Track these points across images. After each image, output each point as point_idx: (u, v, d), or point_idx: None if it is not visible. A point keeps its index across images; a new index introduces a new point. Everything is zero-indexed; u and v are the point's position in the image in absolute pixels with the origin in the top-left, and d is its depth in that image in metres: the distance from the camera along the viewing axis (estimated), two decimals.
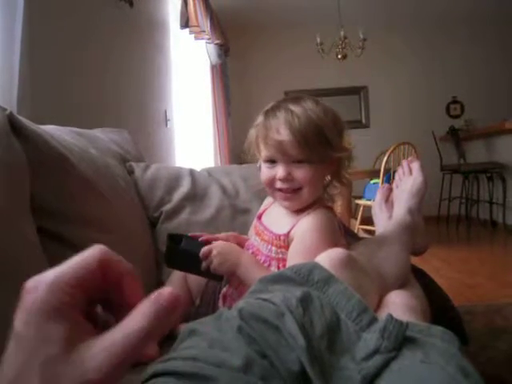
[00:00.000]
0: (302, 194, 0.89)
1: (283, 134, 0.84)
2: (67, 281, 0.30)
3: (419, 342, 0.52)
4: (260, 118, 0.91)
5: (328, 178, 0.96)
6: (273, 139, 0.85)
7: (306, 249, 0.85)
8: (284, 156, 0.86)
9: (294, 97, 0.91)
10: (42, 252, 0.83)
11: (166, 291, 0.30)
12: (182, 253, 0.90)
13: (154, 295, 0.30)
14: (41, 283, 0.30)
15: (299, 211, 0.92)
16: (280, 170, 0.87)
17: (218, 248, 0.88)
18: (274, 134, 0.85)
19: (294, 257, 0.86)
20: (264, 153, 0.89)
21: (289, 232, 0.90)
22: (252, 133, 0.92)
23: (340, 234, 0.94)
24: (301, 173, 0.87)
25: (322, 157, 0.87)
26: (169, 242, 0.91)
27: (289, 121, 0.84)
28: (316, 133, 0.84)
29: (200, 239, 0.93)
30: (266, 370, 0.48)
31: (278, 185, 0.89)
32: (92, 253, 0.32)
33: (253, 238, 0.99)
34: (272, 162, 0.89)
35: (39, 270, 0.84)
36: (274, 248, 0.91)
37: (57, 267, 0.31)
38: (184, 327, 0.57)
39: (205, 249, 0.87)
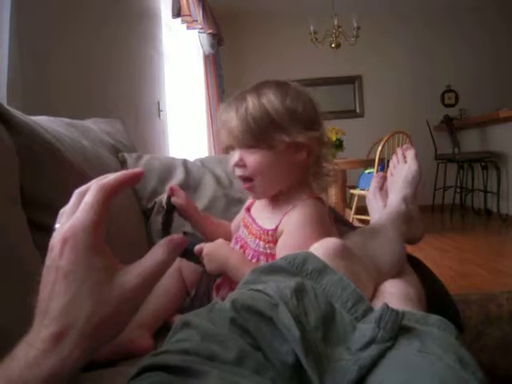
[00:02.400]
0: (256, 184, 0.88)
1: (233, 120, 0.85)
2: (96, 224, 0.40)
3: (416, 331, 0.51)
4: (221, 107, 0.92)
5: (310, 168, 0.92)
6: (225, 126, 0.88)
7: (295, 243, 0.83)
8: (235, 141, 0.87)
9: (259, 83, 0.90)
10: (33, 244, 0.82)
11: (174, 236, 0.43)
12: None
13: (167, 238, 0.43)
14: (76, 229, 0.39)
15: (284, 204, 0.90)
16: (235, 155, 0.88)
17: (207, 249, 0.87)
18: (225, 121, 0.88)
19: (284, 252, 0.83)
20: (224, 139, 0.90)
21: (277, 227, 0.88)
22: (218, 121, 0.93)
23: (330, 223, 0.92)
24: (252, 159, 0.86)
25: (274, 142, 0.84)
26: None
27: (238, 108, 0.85)
28: (262, 118, 0.83)
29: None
30: (260, 362, 0.47)
31: (235, 171, 0.89)
32: (99, 196, 0.41)
33: (241, 231, 0.97)
34: (232, 148, 0.90)
35: (31, 261, 0.82)
36: (261, 243, 0.90)
37: (80, 214, 0.40)
38: (177, 319, 0.56)
39: (197, 247, 0.87)
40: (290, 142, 0.85)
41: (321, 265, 0.62)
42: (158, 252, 0.42)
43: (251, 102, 0.85)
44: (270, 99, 0.84)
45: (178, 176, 1.44)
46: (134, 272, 0.40)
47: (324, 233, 0.84)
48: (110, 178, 0.42)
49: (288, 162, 0.87)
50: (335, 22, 5.07)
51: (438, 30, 6.40)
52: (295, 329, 0.49)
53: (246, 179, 0.88)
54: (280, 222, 0.88)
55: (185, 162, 1.52)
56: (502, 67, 6.28)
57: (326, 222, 0.89)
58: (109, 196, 0.41)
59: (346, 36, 5.18)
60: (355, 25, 5.07)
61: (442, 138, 5.84)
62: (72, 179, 1.01)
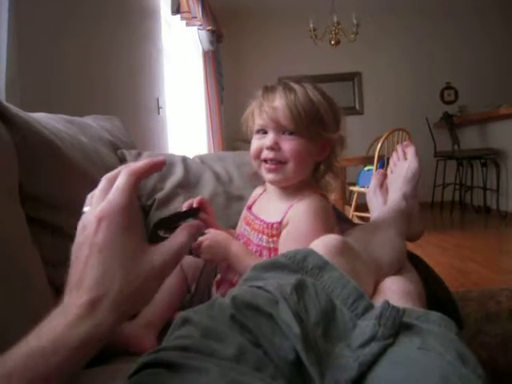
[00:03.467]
0: (286, 169, 0.88)
1: (278, 103, 0.86)
2: (127, 205, 0.44)
3: (416, 328, 0.51)
4: (259, 92, 0.92)
5: (320, 165, 0.96)
6: (268, 106, 0.87)
7: (299, 235, 0.84)
8: (276, 125, 0.87)
9: (296, 79, 0.92)
10: (31, 241, 0.82)
11: (195, 222, 0.50)
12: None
13: (189, 224, 0.49)
14: (111, 210, 0.43)
15: (290, 197, 0.91)
16: (269, 138, 0.88)
17: (207, 241, 0.88)
18: (269, 102, 0.87)
19: (287, 243, 0.85)
20: (257, 121, 0.90)
21: (282, 219, 0.89)
22: (251, 104, 0.94)
23: (334, 221, 0.93)
24: (289, 144, 0.87)
25: (313, 134, 0.87)
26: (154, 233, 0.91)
27: (286, 93, 0.86)
28: (310, 109, 0.86)
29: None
30: (260, 358, 0.47)
31: (265, 154, 0.89)
32: (130, 180, 0.45)
33: (243, 228, 0.97)
34: (263, 132, 0.90)
35: (29, 258, 0.82)
36: (264, 237, 0.91)
37: (113, 196, 0.44)
38: (177, 315, 0.56)
39: (196, 243, 0.88)
40: (324, 139, 0.89)
41: (321, 261, 0.62)
42: (179, 235, 0.47)
43: (299, 91, 0.86)
44: (315, 94, 0.87)
45: (178, 173, 1.43)
46: (160, 252, 0.45)
47: (327, 228, 0.85)
48: (138, 164, 0.47)
49: (314, 156, 0.91)
50: (335, 18, 5.07)
51: (437, 26, 6.38)
52: (295, 325, 0.48)
53: (278, 162, 0.88)
54: (285, 214, 0.89)
55: (184, 159, 1.51)
56: (502, 64, 6.27)
57: (330, 218, 0.90)
58: (138, 180, 0.46)
59: (345, 33, 5.17)
60: (355, 22, 5.06)
61: (441, 135, 5.83)
62: (70, 176, 1.00)
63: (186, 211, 0.94)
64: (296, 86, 0.87)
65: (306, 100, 0.86)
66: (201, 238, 0.88)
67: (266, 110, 0.87)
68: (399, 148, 1.18)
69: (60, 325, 0.39)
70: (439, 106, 6.34)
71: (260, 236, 0.91)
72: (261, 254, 0.90)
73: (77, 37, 2.04)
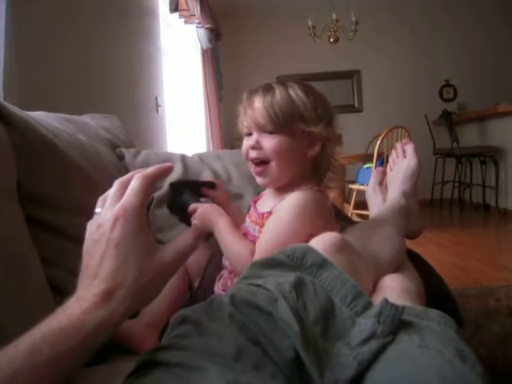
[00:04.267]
0: (270, 168, 0.91)
1: (257, 104, 0.90)
2: (142, 206, 0.49)
3: (416, 326, 0.51)
4: (244, 95, 0.96)
5: (320, 162, 0.96)
6: (249, 108, 0.91)
7: (277, 224, 0.87)
8: (256, 126, 0.91)
9: (285, 80, 0.95)
10: (30, 240, 0.82)
11: (196, 227, 0.55)
12: (178, 204, 0.93)
13: (190, 229, 0.54)
14: (126, 209, 0.47)
15: (286, 192, 0.92)
16: (252, 138, 0.92)
17: (202, 208, 0.90)
18: (250, 104, 0.91)
19: (266, 228, 0.89)
20: (244, 123, 0.94)
21: (271, 210, 0.92)
22: (239, 108, 0.97)
23: (329, 217, 0.93)
24: (269, 143, 0.90)
25: (293, 131, 0.89)
26: (170, 190, 0.96)
27: (264, 94, 0.90)
28: (287, 107, 0.88)
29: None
30: (259, 357, 0.47)
31: (250, 154, 0.93)
32: (144, 183, 0.50)
33: (246, 222, 0.99)
34: (249, 134, 0.93)
35: (28, 257, 0.82)
36: (257, 227, 0.93)
37: (128, 197, 0.49)
38: (176, 314, 0.56)
39: (192, 206, 0.90)
40: (308, 133, 0.90)
41: (320, 259, 0.62)
42: (187, 236, 0.52)
43: (278, 91, 0.90)
44: (297, 92, 0.90)
45: (177, 171, 1.43)
46: (170, 250, 0.50)
47: (312, 221, 0.87)
48: (149, 169, 0.52)
49: (302, 153, 0.92)
50: (333, 16, 5.06)
51: (435, 24, 6.38)
52: (295, 324, 0.48)
53: (261, 162, 0.91)
54: (275, 205, 0.91)
55: (183, 158, 1.51)
56: (501, 61, 6.27)
57: (319, 211, 0.90)
58: (151, 183, 0.51)
59: (344, 31, 5.16)
60: (354, 19, 5.05)
61: (440, 132, 5.83)
62: (69, 174, 1.00)
63: (203, 181, 1.05)
64: (276, 86, 0.91)
65: (283, 99, 0.89)
66: (198, 204, 0.90)
67: (248, 113, 0.91)
68: (398, 146, 1.18)
69: (77, 311, 0.42)
70: (438, 104, 6.34)
71: (254, 227, 0.94)
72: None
73: (75, 35, 2.04)
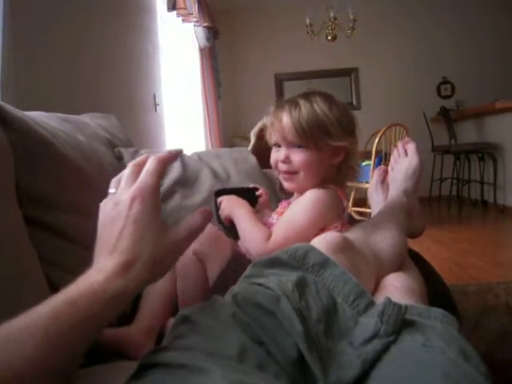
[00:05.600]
0: (298, 177, 1.00)
1: (284, 121, 0.97)
2: (157, 186, 0.51)
3: (419, 325, 0.51)
4: (271, 108, 1.04)
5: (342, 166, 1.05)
6: (277, 125, 0.99)
7: (294, 212, 0.97)
8: (285, 141, 0.99)
9: (307, 92, 1.02)
10: (29, 240, 0.81)
11: (207, 208, 0.55)
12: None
13: (200, 209, 0.55)
14: (143, 189, 0.50)
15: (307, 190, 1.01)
16: (282, 153, 1.00)
17: (226, 199, 1.05)
18: (278, 121, 0.99)
19: (282, 218, 0.99)
20: (272, 137, 1.02)
21: (291, 201, 1.05)
22: (267, 120, 1.06)
23: (342, 215, 1.00)
24: (298, 157, 0.98)
25: (319, 145, 0.96)
26: (215, 200, 1.10)
27: (291, 111, 0.97)
28: (315, 123, 0.95)
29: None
30: (263, 357, 0.47)
31: (280, 167, 1.02)
32: (158, 165, 0.52)
33: (270, 218, 1.07)
34: (278, 146, 1.01)
35: (27, 257, 0.81)
36: (276, 215, 1.04)
37: (144, 178, 0.51)
38: (178, 314, 0.56)
39: (220, 198, 1.07)
40: (333, 146, 0.97)
41: (322, 258, 0.62)
42: (196, 217, 0.54)
43: (304, 106, 0.96)
44: (321, 106, 0.97)
45: (175, 170, 1.43)
46: (182, 227, 0.53)
47: (325, 215, 0.96)
48: (162, 153, 0.55)
49: (327, 162, 1.00)
50: (331, 14, 5.05)
51: (434, 22, 6.37)
52: (298, 322, 0.48)
53: (291, 173, 1.01)
54: (296, 198, 1.04)
55: (182, 156, 1.51)
56: (498, 58, 6.27)
57: (332, 207, 0.98)
58: (164, 167, 0.53)
59: (342, 28, 5.15)
60: (351, 17, 5.05)
61: (438, 129, 5.84)
62: (68, 174, 1.00)
63: (247, 188, 1.18)
64: (302, 102, 0.97)
65: (310, 115, 0.95)
66: (224, 197, 1.06)
67: (276, 128, 0.99)
68: (400, 145, 1.18)
69: (99, 278, 0.44)
70: (436, 101, 6.34)
71: (273, 215, 1.06)
72: None
73: (73, 34, 2.03)
